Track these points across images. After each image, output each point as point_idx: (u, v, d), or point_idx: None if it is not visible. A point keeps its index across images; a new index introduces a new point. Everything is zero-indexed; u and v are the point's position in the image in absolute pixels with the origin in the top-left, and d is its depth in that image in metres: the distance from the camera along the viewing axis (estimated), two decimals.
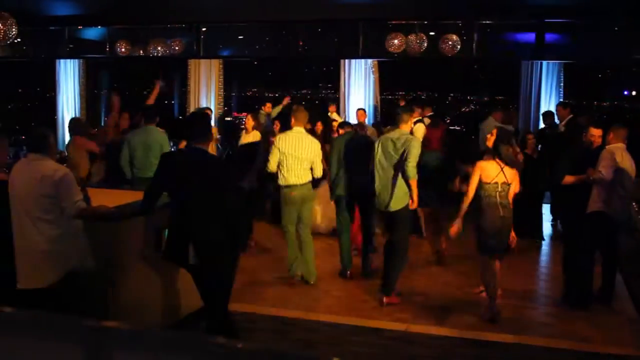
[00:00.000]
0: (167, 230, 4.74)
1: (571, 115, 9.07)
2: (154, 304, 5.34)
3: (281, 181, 6.92)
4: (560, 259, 6.96)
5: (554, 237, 9.45)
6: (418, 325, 5.96)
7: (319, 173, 7.03)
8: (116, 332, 1.61)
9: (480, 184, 6.01)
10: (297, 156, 6.82)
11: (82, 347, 1.61)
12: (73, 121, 8.81)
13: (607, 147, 6.32)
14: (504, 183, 5.97)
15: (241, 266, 4.70)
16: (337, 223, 7.66)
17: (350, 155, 7.37)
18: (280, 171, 6.89)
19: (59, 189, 4.27)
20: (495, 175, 5.96)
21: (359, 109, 11.69)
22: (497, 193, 5.95)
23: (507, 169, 5.99)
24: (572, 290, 6.54)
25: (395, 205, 6.42)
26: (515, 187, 6.10)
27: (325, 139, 9.74)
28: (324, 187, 8.41)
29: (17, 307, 1.70)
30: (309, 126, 7.02)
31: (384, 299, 6.48)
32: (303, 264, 7.10)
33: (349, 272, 7.41)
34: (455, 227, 6.11)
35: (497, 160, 6.02)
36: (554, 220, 10.04)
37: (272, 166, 6.94)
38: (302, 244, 7.09)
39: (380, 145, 6.54)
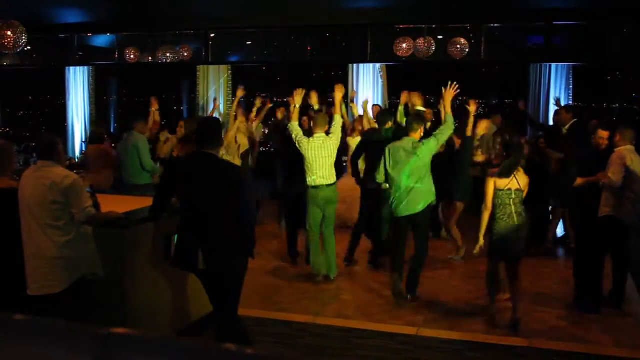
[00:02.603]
0: (176, 236, 4.75)
1: (575, 120, 9.04)
2: (164, 310, 5.35)
3: (309, 182, 7.27)
4: (570, 263, 6.94)
5: (563, 240, 9.40)
6: (429, 329, 5.95)
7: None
8: (126, 338, 1.62)
9: (495, 192, 5.84)
10: (322, 159, 7.18)
11: (92, 353, 1.61)
12: (94, 132, 9.09)
13: (616, 150, 6.25)
14: (517, 190, 5.81)
15: (250, 270, 4.69)
16: None
17: (367, 158, 7.88)
18: (308, 174, 7.24)
19: (68, 195, 4.29)
20: (508, 181, 5.79)
21: (374, 105, 11.63)
22: (512, 200, 5.79)
23: (520, 175, 5.84)
24: (583, 294, 6.52)
25: (410, 209, 6.52)
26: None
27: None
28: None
29: (27, 314, 1.71)
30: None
31: (409, 297, 6.65)
32: (325, 260, 7.45)
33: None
34: (478, 247, 5.97)
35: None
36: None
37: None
38: (324, 240, 7.46)
39: (389, 153, 6.66)
